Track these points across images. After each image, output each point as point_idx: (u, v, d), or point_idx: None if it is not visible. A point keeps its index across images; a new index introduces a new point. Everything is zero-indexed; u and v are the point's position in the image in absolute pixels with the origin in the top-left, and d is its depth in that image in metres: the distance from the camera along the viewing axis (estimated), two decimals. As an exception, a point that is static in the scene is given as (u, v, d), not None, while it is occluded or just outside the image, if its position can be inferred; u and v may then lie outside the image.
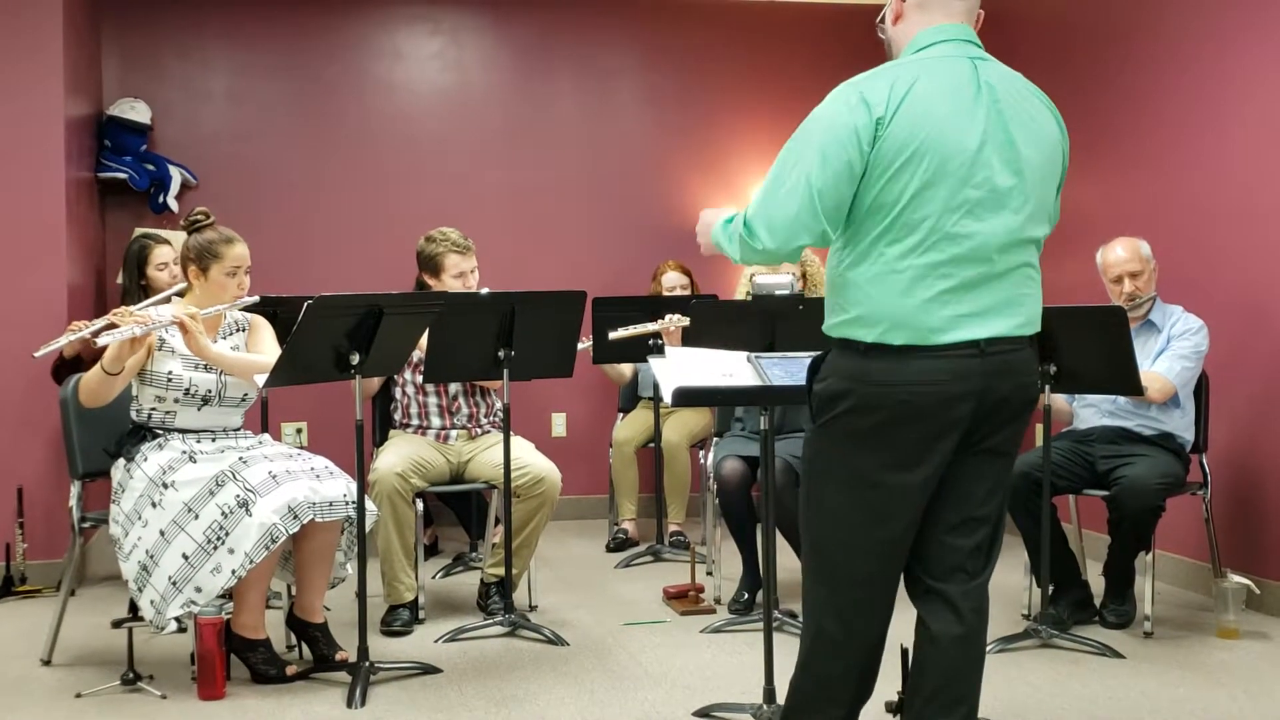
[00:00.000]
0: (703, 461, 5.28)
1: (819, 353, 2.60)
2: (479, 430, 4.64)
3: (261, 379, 3.73)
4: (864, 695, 2.67)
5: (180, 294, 3.96)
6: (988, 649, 3.91)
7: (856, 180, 2.40)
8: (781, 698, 2.82)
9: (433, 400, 4.62)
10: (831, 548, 2.57)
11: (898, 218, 2.40)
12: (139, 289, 4.85)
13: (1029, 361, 2.54)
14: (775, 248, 2.46)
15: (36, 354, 3.85)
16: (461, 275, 4.63)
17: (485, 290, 4.50)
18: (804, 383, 2.61)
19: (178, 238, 4.80)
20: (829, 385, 2.51)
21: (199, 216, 3.86)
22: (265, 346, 3.95)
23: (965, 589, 2.56)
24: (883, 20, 2.61)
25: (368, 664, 3.66)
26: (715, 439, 4.88)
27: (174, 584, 3.54)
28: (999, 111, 2.43)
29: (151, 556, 3.58)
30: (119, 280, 5.17)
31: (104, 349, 3.61)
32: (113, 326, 3.65)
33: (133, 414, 3.84)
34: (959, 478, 2.53)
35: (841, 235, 2.49)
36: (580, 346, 4.76)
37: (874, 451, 2.47)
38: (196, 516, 3.56)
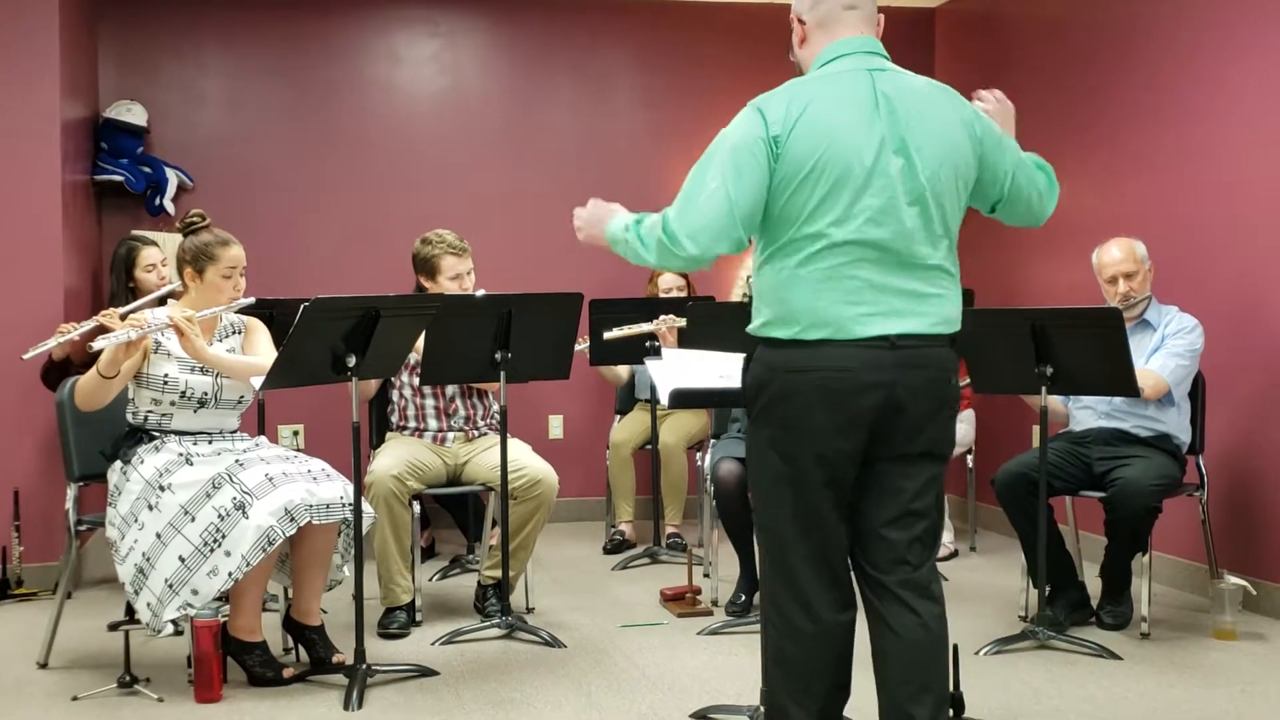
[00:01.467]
0: (699, 463, 5.27)
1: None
2: (476, 432, 4.64)
3: (258, 381, 3.72)
4: (837, 692, 2.69)
5: (173, 295, 3.96)
6: (985, 650, 3.96)
7: (767, 189, 2.54)
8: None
9: (430, 402, 4.61)
10: (773, 534, 2.66)
11: (802, 226, 2.54)
12: (127, 291, 4.83)
13: (945, 359, 2.61)
14: (697, 254, 2.58)
15: (25, 356, 3.84)
16: (457, 277, 4.63)
17: (481, 292, 4.50)
18: None
19: (168, 240, 4.78)
20: (753, 377, 2.64)
21: (195, 219, 3.86)
22: (261, 349, 3.94)
23: (910, 578, 2.63)
24: (791, 46, 2.76)
25: (365, 666, 3.66)
26: (712, 441, 4.87)
27: (170, 586, 3.53)
28: (896, 120, 2.54)
29: (148, 559, 3.57)
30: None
31: (96, 353, 3.61)
32: (102, 328, 3.63)
33: (129, 416, 3.83)
34: (887, 477, 2.61)
35: (759, 243, 2.63)
36: (577, 348, 4.76)
37: (794, 439, 2.57)
38: (193, 519, 3.56)
